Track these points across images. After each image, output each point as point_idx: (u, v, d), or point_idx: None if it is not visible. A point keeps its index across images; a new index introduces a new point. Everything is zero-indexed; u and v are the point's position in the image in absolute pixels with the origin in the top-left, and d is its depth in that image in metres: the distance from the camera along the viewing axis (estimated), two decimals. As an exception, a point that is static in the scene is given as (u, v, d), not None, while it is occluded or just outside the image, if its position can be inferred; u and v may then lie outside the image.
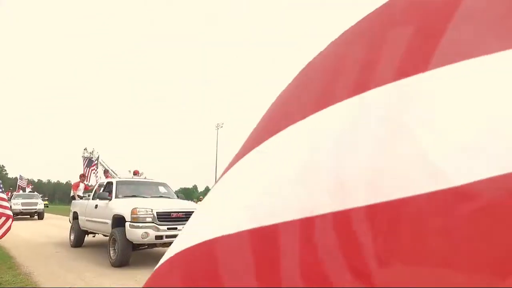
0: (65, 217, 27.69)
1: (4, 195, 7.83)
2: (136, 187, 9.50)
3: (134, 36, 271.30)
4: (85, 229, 10.32)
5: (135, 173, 11.23)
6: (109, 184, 9.59)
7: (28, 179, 32.62)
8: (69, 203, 12.56)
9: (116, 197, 8.82)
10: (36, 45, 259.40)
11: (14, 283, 6.10)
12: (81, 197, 12.35)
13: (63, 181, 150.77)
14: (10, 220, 7.63)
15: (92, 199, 10.23)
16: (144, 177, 10.28)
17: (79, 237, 10.61)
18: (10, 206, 8.86)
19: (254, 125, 1.04)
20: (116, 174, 42.40)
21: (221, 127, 51.62)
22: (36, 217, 23.44)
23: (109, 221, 8.39)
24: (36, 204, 23.37)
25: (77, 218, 10.85)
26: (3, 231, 7.51)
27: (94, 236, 11.05)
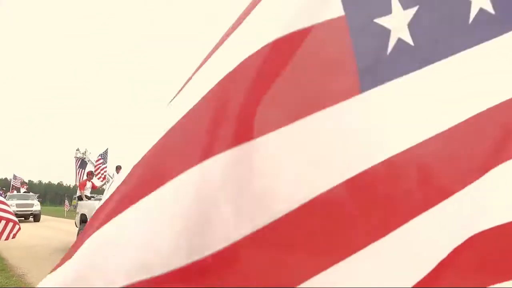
0: (60, 218, 26.01)
1: (3, 199, 7.11)
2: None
3: (134, 36, 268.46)
4: (96, 234, 8.83)
5: None
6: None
7: (22, 180, 30.58)
8: (62, 204, 11.15)
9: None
10: (32, 45, 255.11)
11: (7, 285, 5.95)
12: (89, 198, 10.85)
13: (55, 182, 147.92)
14: (17, 226, 6.61)
15: (104, 199, 8.75)
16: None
17: (88, 243, 9.12)
18: None
19: None
20: (110, 176, 40.46)
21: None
22: (31, 219, 21.57)
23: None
24: (32, 205, 21.51)
25: (86, 221, 9.35)
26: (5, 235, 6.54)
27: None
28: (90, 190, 11.31)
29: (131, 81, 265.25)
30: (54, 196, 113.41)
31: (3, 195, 18.53)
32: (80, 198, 10.96)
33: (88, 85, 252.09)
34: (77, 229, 10.05)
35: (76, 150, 37.01)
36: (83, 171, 28.80)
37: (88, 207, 9.41)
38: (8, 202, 20.06)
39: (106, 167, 13.32)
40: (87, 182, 11.42)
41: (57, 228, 16.60)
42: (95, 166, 13.29)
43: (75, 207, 38.45)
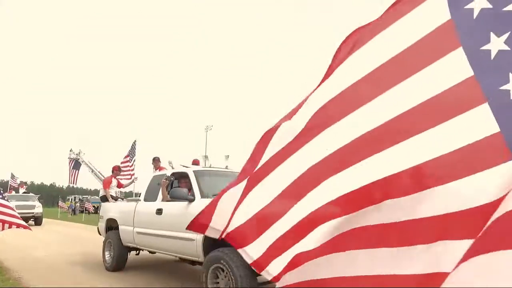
0: (55, 220, 23.62)
1: (5, 202, 6.57)
2: (220, 182, 5.89)
3: (127, 37, 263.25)
4: (133, 245, 6.63)
5: (195, 163, 7.45)
6: (181, 177, 5.94)
7: (23, 181, 27.53)
8: (55, 205, 9.00)
9: (204, 196, 5.18)
10: (30, 47, 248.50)
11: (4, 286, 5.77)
12: (115, 198, 8.55)
13: (47, 183, 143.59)
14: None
15: (144, 199, 6.55)
16: (225, 167, 6.60)
17: (120, 256, 6.93)
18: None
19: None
20: (104, 176, 37.45)
21: (210, 129, 47.93)
22: (32, 222, 18.58)
23: (198, 237, 4.79)
24: (33, 207, 18.71)
25: (116, 229, 7.14)
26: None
27: (137, 254, 7.34)
28: (115, 189, 8.93)
29: (122, 82, 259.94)
30: (46, 198, 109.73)
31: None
32: (104, 199, 8.61)
33: (84, 85, 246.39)
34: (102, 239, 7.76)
35: (70, 150, 34.66)
36: (77, 172, 26.55)
37: (121, 210, 7.17)
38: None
39: (133, 164, 10.51)
40: (112, 179, 9.05)
41: (54, 231, 15.34)
42: (121, 162, 10.48)
43: (70, 208, 35.67)
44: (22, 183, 26.70)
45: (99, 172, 46.13)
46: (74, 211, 38.84)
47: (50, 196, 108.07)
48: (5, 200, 6.67)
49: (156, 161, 8.65)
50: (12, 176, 25.71)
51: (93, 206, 39.90)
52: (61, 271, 6.90)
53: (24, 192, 23.98)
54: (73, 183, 27.19)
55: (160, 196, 6.02)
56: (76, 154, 37.56)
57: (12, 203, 17.37)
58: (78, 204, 41.92)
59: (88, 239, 12.68)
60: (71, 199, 47.77)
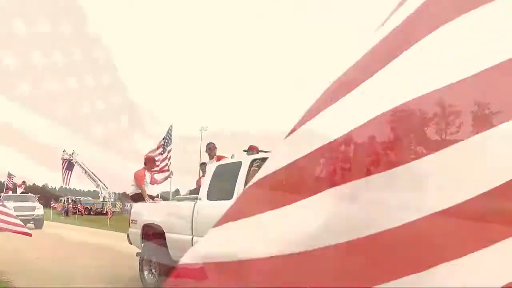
0: (51, 222, 21.59)
1: (5, 209, 5.95)
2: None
3: (121, 38, 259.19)
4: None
5: (252, 148, 5.55)
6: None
7: (16, 183, 25.01)
8: (47, 206, 7.14)
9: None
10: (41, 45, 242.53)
11: None
12: (152, 198, 6.46)
13: (39, 184, 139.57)
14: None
15: (208, 197, 4.62)
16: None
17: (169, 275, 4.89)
18: None
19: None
20: (101, 181, 34.28)
21: (205, 130, 46.28)
22: (32, 224, 15.81)
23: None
24: (33, 208, 16.39)
25: (157, 238, 5.19)
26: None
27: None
28: (148, 185, 6.72)
29: (114, 83, 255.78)
30: (39, 198, 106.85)
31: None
32: (136, 198, 6.44)
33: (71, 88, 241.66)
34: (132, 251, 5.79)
35: (63, 151, 32.74)
36: (70, 173, 24.77)
37: (164, 213, 5.21)
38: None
39: (169, 156, 8.04)
40: (145, 172, 6.79)
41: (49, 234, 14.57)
42: (157, 149, 8.11)
43: (63, 209, 33.36)
44: (21, 184, 24.30)
45: (93, 173, 44.00)
46: (67, 212, 36.57)
47: (44, 197, 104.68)
48: (1, 206, 6.15)
49: (211, 148, 6.44)
50: (9, 175, 23.33)
51: (86, 207, 37.71)
52: (53, 274, 6.48)
53: (22, 192, 21.63)
54: (66, 184, 25.69)
55: (237, 191, 4.12)
56: (70, 155, 35.60)
57: (10, 204, 14.96)
58: (71, 205, 39.50)
59: (86, 241, 12.34)
60: (64, 200, 45.30)
